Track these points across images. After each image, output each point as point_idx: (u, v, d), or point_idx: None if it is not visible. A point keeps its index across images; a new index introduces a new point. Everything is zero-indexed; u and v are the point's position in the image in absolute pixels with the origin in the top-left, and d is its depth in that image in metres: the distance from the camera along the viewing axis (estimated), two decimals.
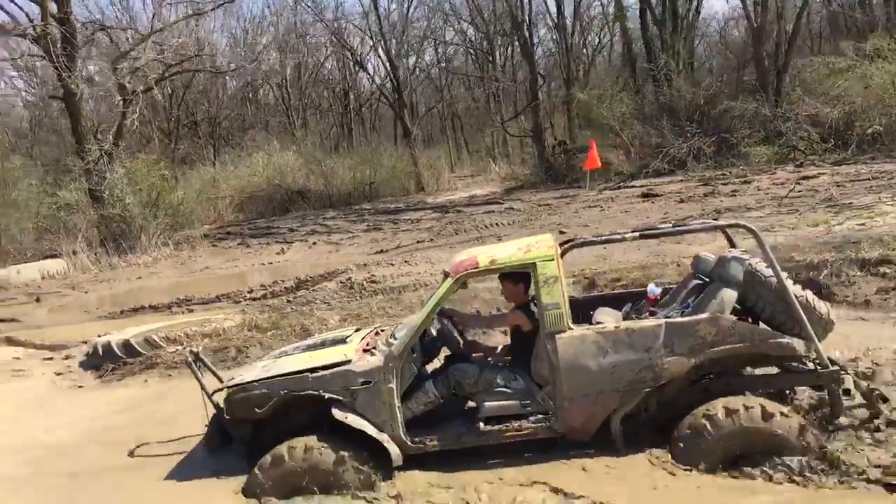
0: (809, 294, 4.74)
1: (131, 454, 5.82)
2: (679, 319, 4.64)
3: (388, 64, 29.03)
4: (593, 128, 22.63)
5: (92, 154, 19.24)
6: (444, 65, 39.01)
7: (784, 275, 4.71)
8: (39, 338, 10.55)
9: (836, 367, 4.64)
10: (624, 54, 24.48)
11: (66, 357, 9.42)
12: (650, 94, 21.97)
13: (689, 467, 4.35)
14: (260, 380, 4.99)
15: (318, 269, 13.27)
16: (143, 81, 19.69)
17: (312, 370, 4.90)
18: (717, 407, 4.42)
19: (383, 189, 28.00)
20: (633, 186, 18.58)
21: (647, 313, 5.02)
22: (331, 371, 4.85)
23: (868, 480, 4.09)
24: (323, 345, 5.45)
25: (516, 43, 37.64)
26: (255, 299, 11.65)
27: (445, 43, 38.76)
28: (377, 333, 5.42)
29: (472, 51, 39.67)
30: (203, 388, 5.25)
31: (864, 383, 4.78)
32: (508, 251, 4.97)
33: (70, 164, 19.18)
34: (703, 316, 4.57)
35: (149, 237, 18.77)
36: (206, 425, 5.36)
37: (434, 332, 5.29)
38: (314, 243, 17.19)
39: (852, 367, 5.39)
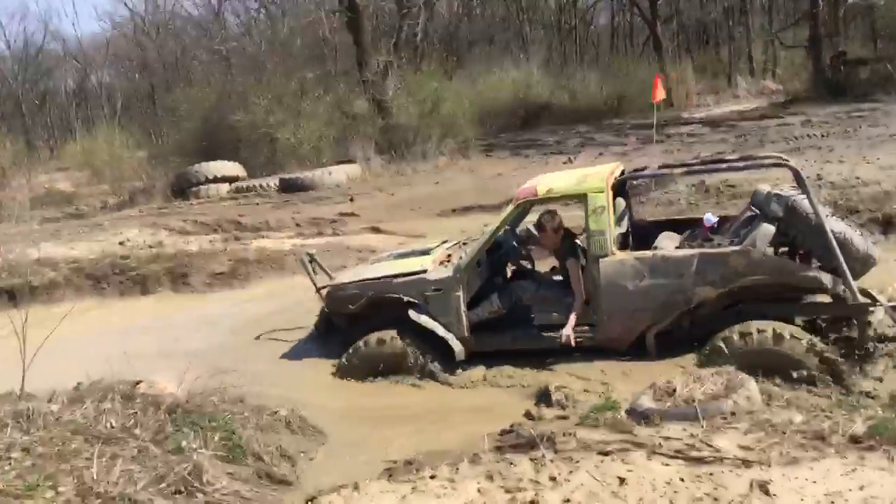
0: (849, 231, 5.05)
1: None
2: (711, 250, 5.16)
3: None
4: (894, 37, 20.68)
5: (372, 66, 20.34)
6: None
7: (825, 211, 5.06)
8: (399, 229, 11.51)
9: (865, 301, 4.92)
10: None
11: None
12: None
13: None
14: (353, 281, 6.08)
15: None
16: None
17: (395, 276, 5.84)
18: (734, 330, 4.92)
19: (630, 105, 27.41)
20: None
21: (701, 240, 5.49)
22: (409, 278, 5.76)
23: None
24: (412, 254, 6.37)
25: None
26: None
27: None
28: (460, 247, 6.26)
29: None
30: (314, 284, 6.33)
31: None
32: (565, 182, 5.69)
33: (359, 76, 20.29)
34: (734, 248, 5.06)
35: (427, 146, 19.64)
36: (317, 315, 6.61)
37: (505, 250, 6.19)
38: (600, 154, 17.27)
39: None
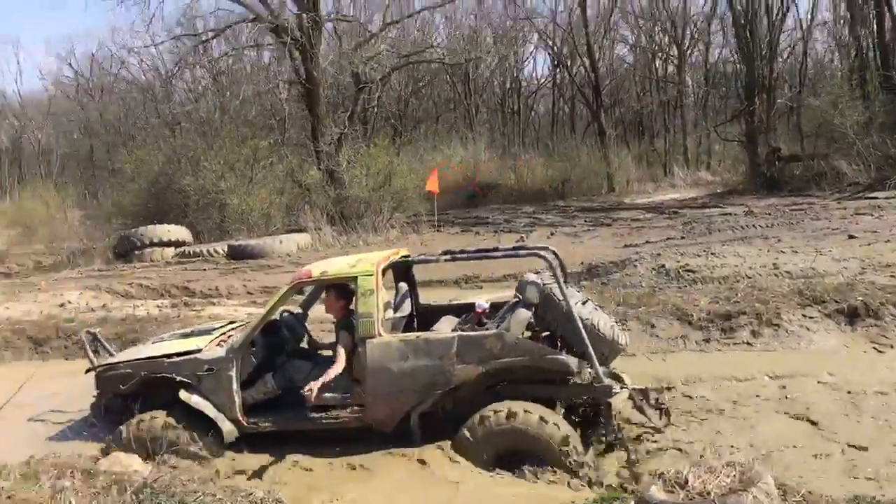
0: (598, 318, 5.43)
1: None
2: (469, 333, 5.40)
3: (587, 61, 29.11)
4: (821, 135, 21.90)
5: (327, 137, 20.39)
6: (625, 64, 38.59)
7: (577, 299, 5.47)
8: None
9: (608, 383, 5.24)
10: (860, 58, 23.40)
11: None
12: (884, 102, 20.92)
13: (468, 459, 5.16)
14: (126, 361, 5.93)
15: (579, 258, 13.39)
16: (379, 71, 20.61)
17: (169, 356, 5.76)
18: (498, 408, 5.16)
19: (573, 188, 28.11)
20: (874, 198, 17.83)
21: (473, 324, 5.73)
22: (182, 358, 5.70)
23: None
24: (193, 334, 6.34)
25: (700, 46, 37.13)
26: None
27: (625, 44, 38.48)
28: (243, 328, 6.03)
29: (650, 53, 39.11)
30: (91, 363, 6.11)
31: (640, 400, 5.46)
32: (338, 265, 5.85)
33: (312, 147, 20.28)
34: (491, 332, 5.31)
35: (378, 219, 19.61)
36: (93, 395, 6.17)
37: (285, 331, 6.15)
38: (552, 234, 17.50)
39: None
